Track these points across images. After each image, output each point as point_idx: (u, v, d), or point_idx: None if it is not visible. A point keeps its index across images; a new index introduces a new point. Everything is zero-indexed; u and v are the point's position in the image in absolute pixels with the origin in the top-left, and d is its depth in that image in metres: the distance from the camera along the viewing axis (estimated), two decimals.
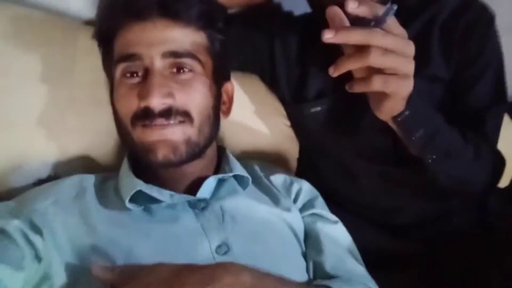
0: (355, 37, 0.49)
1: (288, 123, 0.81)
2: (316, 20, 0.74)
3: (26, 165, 0.62)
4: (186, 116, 0.58)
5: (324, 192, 0.72)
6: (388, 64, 0.50)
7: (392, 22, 0.51)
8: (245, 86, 0.78)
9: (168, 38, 0.57)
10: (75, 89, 0.65)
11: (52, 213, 0.53)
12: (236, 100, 0.71)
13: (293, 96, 0.76)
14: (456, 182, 0.69)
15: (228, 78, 0.68)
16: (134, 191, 0.55)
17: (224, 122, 0.69)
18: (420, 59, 0.63)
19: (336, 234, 0.65)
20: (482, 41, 0.68)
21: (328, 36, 0.49)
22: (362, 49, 0.50)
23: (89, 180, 0.60)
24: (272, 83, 0.78)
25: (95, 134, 0.67)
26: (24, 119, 0.62)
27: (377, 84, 0.52)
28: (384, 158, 0.73)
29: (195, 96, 0.58)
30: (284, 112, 0.80)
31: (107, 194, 0.59)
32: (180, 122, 0.57)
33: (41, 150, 0.63)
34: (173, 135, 0.57)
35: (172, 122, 0.56)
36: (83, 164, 0.66)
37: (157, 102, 0.55)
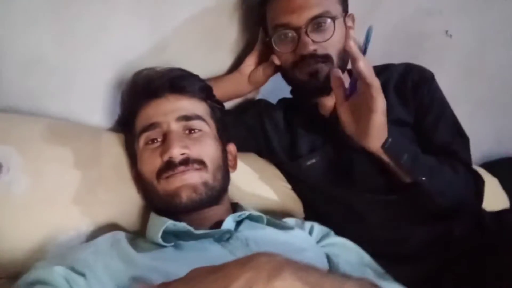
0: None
1: (289, 186, 0.91)
2: (296, 97, 0.93)
3: (62, 236, 0.67)
4: (201, 164, 0.69)
5: None
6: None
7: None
8: (245, 160, 0.91)
9: (179, 107, 0.72)
10: (103, 169, 0.75)
11: (93, 259, 0.57)
12: (240, 170, 0.83)
13: (289, 156, 0.89)
14: (447, 198, 0.77)
15: (230, 141, 0.80)
16: (164, 226, 0.61)
17: (233, 190, 0.79)
18: None
19: (351, 248, 0.71)
20: (430, 93, 0.86)
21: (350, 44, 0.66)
22: None
23: (121, 234, 0.65)
24: (269, 153, 0.92)
25: (122, 205, 0.75)
26: (60, 196, 0.70)
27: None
28: (382, 193, 0.81)
29: (206, 148, 0.70)
30: (283, 177, 0.91)
31: (137, 243, 0.64)
32: (197, 169, 0.68)
33: (75, 222, 0.69)
34: (192, 179, 0.67)
35: (190, 168, 0.67)
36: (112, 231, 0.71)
37: (176, 152, 0.66)
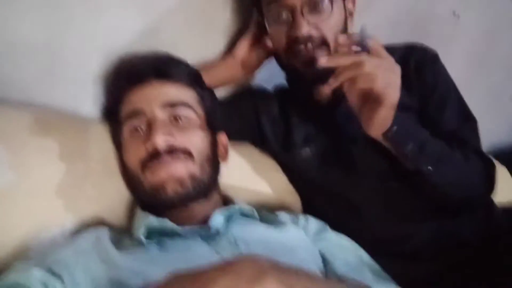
0: (344, 60, 0.60)
1: (285, 177, 0.87)
2: (291, 85, 0.88)
3: (45, 233, 0.64)
4: (187, 154, 0.65)
5: None
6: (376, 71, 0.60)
7: (374, 46, 0.61)
8: (239, 151, 0.87)
9: (164, 93, 0.68)
10: (90, 162, 0.72)
11: (73, 261, 0.55)
12: (234, 162, 0.79)
13: (283, 147, 0.85)
14: (456, 188, 0.72)
15: (220, 130, 0.77)
16: (147, 224, 0.58)
17: (225, 182, 0.76)
18: None
19: (348, 246, 0.67)
20: (434, 76, 0.81)
21: (323, 61, 0.60)
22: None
23: (103, 231, 0.63)
24: (263, 142, 0.88)
25: (109, 200, 0.71)
26: (45, 189, 0.67)
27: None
28: (383, 180, 0.77)
29: (193, 138, 0.67)
30: (279, 169, 0.87)
31: (121, 240, 0.61)
32: (182, 159, 0.64)
33: (59, 218, 0.66)
34: (178, 171, 0.63)
35: (175, 158, 0.63)
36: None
37: (160, 140, 0.63)
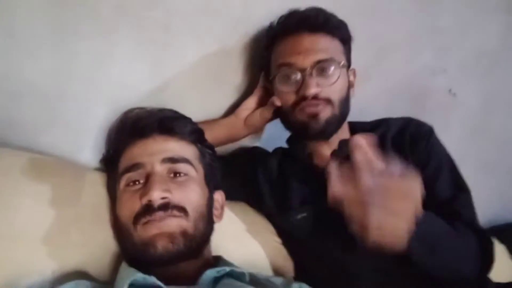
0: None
1: (279, 240, 0.85)
2: (292, 146, 0.90)
3: (25, 280, 0.61)
4: (182, 211, 0.64)
5: None
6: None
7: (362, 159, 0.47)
8: (234, 209, 0.86)
9: (166, 148, 0.68)
10: (80, 209, 0.70)
11: None
12: (227, 220, 0.78)
13: (279, 208, 0.84)
14: (449, 270, 0.70)
15: (218, 188, 0.76)
16: (131, 278, 0.56)
17: (218, 241, 0.74)
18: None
19: None
20: (427, 149, 0.82)
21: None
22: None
23: (84, 284, 0.60)
24: (258, 202, 0.87)
25: (95, 249, 0.69)
26: (29, 233, 0.65)
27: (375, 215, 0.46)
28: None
29: (190, 194, 0.66)
30: (274, 231, 0.86)
31: None
32: (176, 216, 0.62)
33: (41, 265, 0.63)
34: (170, 227, 0.61)
35: (169, 214, 0.62)
36: (79, 279, 0.65)
37: (157, 195, 0.62)
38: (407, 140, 0.83)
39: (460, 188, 0.80)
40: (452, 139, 0.99)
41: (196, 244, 0.64)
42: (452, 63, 1.25)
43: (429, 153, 0.81)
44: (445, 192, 0.79)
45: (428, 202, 0.76)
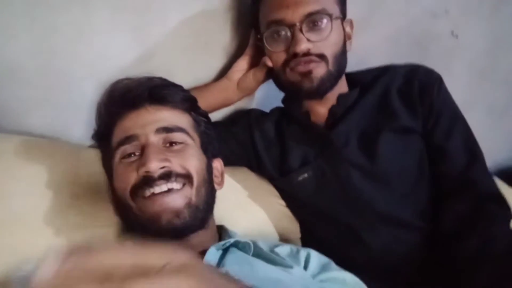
0: None
1: (283, 202, 0.83)
2: (288, 106, 0.86)
3: (27, 266, 0.60)
4: (186, 178, 0.61)
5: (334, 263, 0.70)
6: None
7: None
8: (236, 175, 0.84)
9: (159, 118, 0.65)
10: (77, 190, 0.69)
11: None
12: (229, 187, 0.75)
13: (279, 171, 0.81)
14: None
15: (216, 156, 0.73)
16: None
17: (222, 211, 0.72)
18: (385, 115, 0.72)
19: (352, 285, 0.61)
20: (440, 96, 0.77)
21: None
22: None
23: None
24: (259, 167, 0.84)
25: (96, 229, 0.67)
26: (27, 218, 0.63)
27: None
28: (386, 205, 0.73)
29: (190, 159, 0.63)
30: (276, 193, 0.84)
31: None
32: (180, 188, 0.60)
33: (41, 249, 0.62)
34: (175, 202, 0.59)
35: (173, 187, 0.59)
36: None
37: (155, 166, 0.59)
38: (416, 89, 0.78)
39: (473, 152, 0.76)
40: (459, 84, 0.95)
41: (201, 213, 0.62)
42: (453, 3, 1.18)
43: (442, 103, 0.77)
44: (459, 156, 0.75)
45: (442, 158, 0.73)
